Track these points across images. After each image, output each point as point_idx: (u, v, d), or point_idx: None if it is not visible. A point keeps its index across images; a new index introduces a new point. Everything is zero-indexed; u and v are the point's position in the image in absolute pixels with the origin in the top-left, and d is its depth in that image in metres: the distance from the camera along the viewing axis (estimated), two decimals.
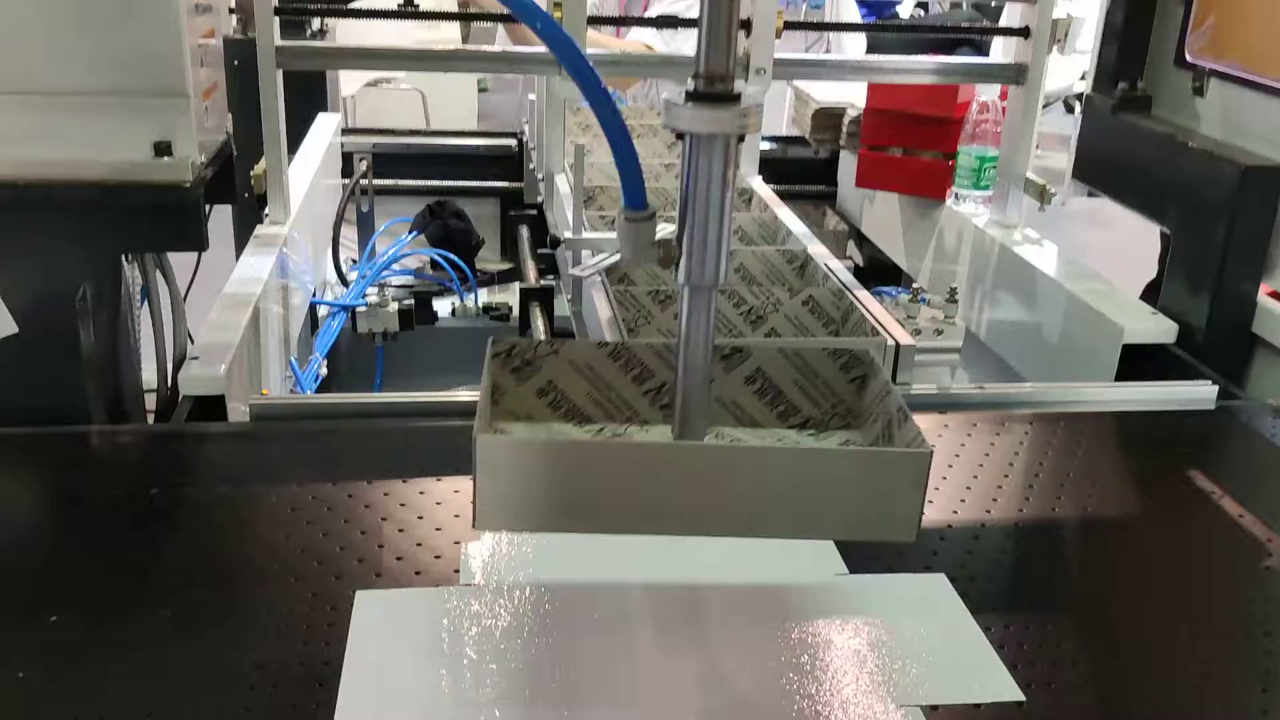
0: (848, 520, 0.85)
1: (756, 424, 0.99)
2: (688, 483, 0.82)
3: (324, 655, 0.98)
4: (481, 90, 6.35)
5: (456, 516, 1.21)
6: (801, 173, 2.94)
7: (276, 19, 1.83)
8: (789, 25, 1.93)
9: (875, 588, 1.10)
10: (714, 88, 0.78)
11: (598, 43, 1.84)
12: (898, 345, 1.54)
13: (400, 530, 1.19)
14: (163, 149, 1.41)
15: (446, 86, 5.36)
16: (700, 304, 0.84)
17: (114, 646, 1.01)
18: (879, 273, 2.69)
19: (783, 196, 2.34)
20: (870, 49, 3.30)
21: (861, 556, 1.13)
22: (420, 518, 1.21)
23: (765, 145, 2.79)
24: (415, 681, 0.94)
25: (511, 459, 0.81)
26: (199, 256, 1.66)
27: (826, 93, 2.75)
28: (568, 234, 1.88)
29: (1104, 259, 2.45)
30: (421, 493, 1.26)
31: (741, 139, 0.79)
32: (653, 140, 2.60)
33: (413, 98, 4.62)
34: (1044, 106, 2.16)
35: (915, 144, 2.42)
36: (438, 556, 1.14)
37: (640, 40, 2.98)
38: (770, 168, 2.62)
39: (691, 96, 0.78)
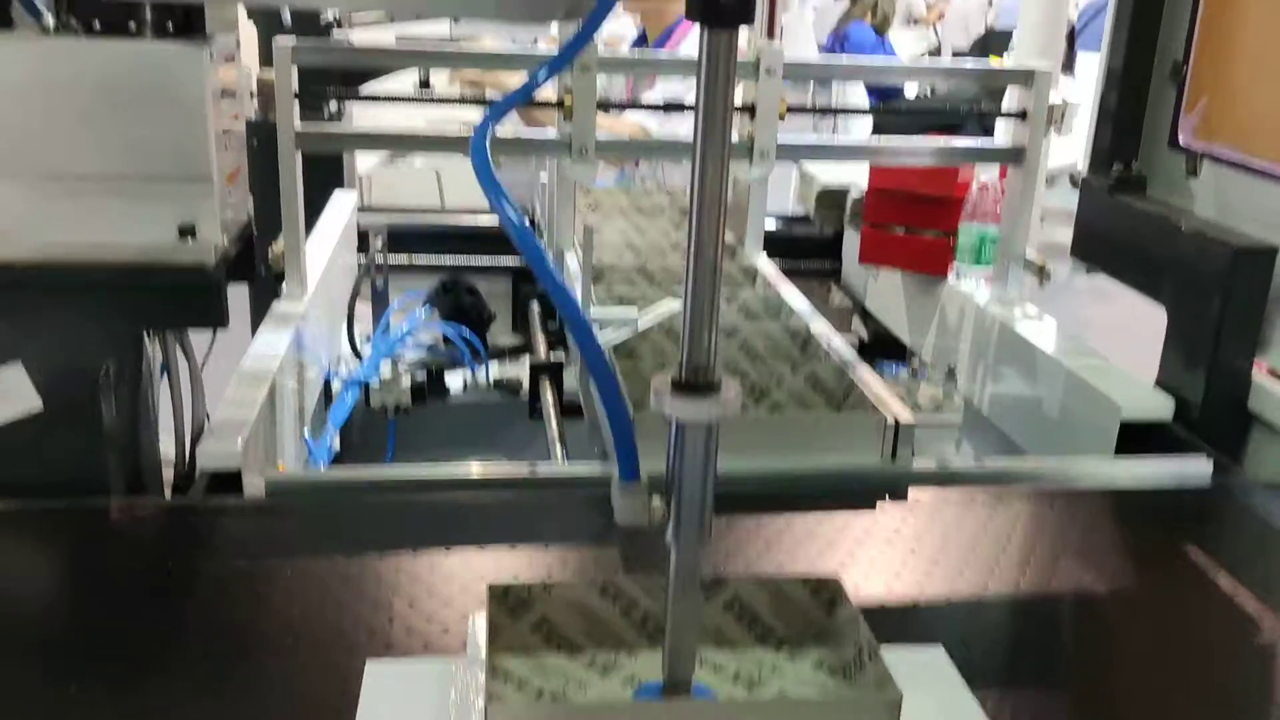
0: None
1: (735, 644, 1.06)
2: None
3: None
4: (495, 167, 6.44)
5: (464, 589, 1.24)
6: (806, 250, 2.98)
7: (296, 102, 1.89)
8: (792, 110, 1.99)
9: None
10: (697, 379, 0.83)
11: (599, 125, 1.91)
12: (897, 423, 1.57)
13: (410, 604, 1.21)
14: (187, 232, 1.45)
15: (460, 165, 5.41)
16: (689, 562, 0.89)
17: (132, 717, 1.04)
18: (883, 348, 2.72)
19: (788, 273, 2.38)
20: (876, 130, 3.38)
21: None
22: (429, 590, 1.24)
23: (771, 224, 2.84)
24: None
25: None
26: (214, 330, 1.70)
27: (831, 173, 2.82)
28: None
29: (1106, 334, 2.48)
30: (431, 566, 1.29)
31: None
32: (660, 219, 2.66)
33: (427, 176, 4.68)
34: (1049, 183, 2.20)
35: (917, 223, 2.46)
36: (445, 630, 1.17)
37: (637, 122, 3.06)
38: (775, 245, 2.66)
39: (676, 386, 0.83)
